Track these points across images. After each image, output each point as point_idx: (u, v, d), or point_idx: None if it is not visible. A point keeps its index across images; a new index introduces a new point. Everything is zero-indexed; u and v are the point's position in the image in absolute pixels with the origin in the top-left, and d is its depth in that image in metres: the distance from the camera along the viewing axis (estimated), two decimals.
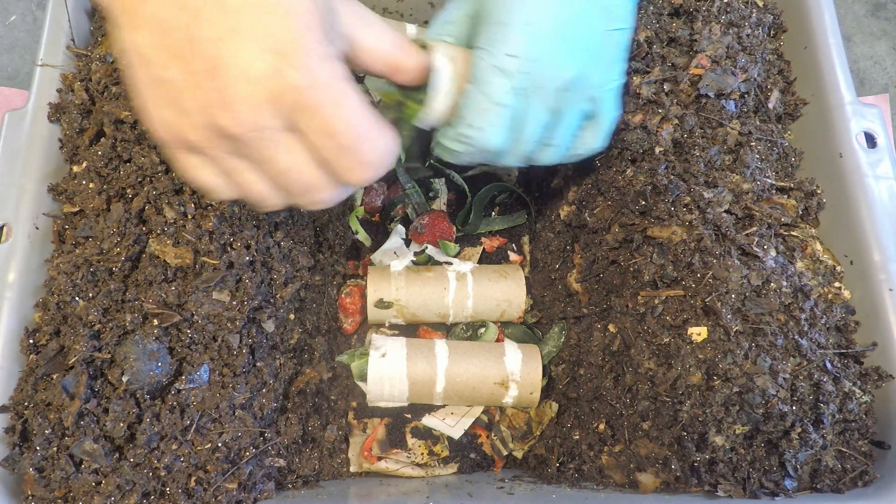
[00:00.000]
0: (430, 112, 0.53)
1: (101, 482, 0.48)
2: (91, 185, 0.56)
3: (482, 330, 0.74)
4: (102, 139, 0.57)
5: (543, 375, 0.68)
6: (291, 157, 0.40)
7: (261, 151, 0.40)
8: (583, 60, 0.52)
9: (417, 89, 0.53)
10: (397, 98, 0.56)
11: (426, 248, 0.77)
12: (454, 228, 0.79)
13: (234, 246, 0.55)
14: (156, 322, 0.51)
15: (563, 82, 0.51)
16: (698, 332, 0.53)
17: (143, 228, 0.54)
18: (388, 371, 0.66)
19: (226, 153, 0.41)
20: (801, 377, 0.51)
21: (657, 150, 0.60)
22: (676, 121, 0.61)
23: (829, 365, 0.52)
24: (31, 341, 0.53)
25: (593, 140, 0.59)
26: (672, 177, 0.59)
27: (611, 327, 0.62)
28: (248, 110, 0.37)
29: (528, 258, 0.80)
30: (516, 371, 0.67)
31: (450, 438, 0.70)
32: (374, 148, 0.42)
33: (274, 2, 0.37)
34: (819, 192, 0.62)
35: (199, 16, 0.36)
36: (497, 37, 0.49)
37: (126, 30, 0.38)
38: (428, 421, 0.70)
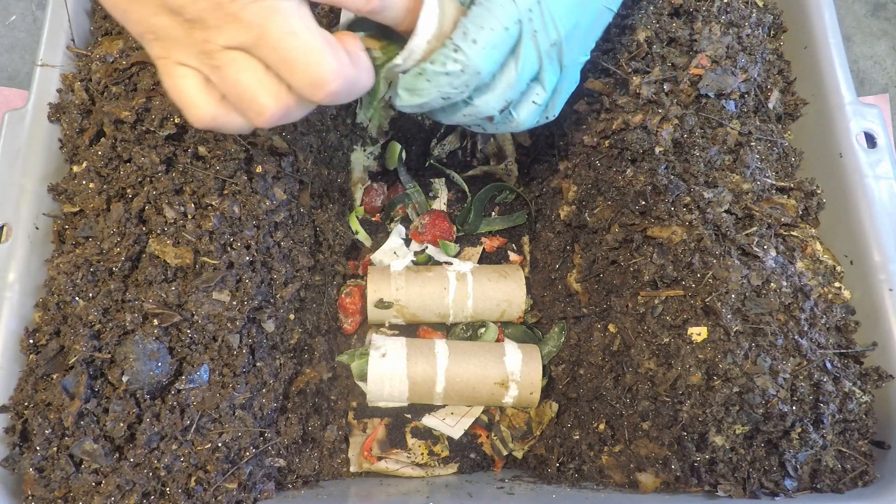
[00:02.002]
0: (410, 49, 0.48)
1: (101, 482, 0.48)
2: (91, 185, 0.56)
3: (482, 330, 0.74)
4: (102, 139, 0.57)
5: (543, 375, 0.68)
6: (247, 62, 0.41)
7: (224, 64, 0.40)
8: (576, 24, 0.52)
9: (394, 39, 0.50)
10: (375, 44, 0.52)
11: (426, 247, 0.77)
12: (454, 228, 0.79)
13: (234, 246, 0.55)
14: (156, 322, 0.51)
15: (557, 37, 0.51)
16: (698, 332, 0.53)
17: (143, 228, 0.54)
18: (388, 371, 0.66)
19: (198, 53, 0.41)
20: (801, 377, 0.51)
21: (657, 150, 0.60)
22: (676, 121, 0.61)
23: (829, 365, 0.52)
24: (31, 341, 0.53)
25: (552, 108, 0.57)
26: (672, 177, 0.59)
27: (611, 327, 0.62)
28: None
29: (528, 258, 0.80)
30: (516, 371, 0.67)
31: (450, 438, 0.70)
32: (320, 65, 0.40)
33: None
34: (819, 192, 0.62)
35: None
36: None
37: None
38: (428, 421, 0.70)
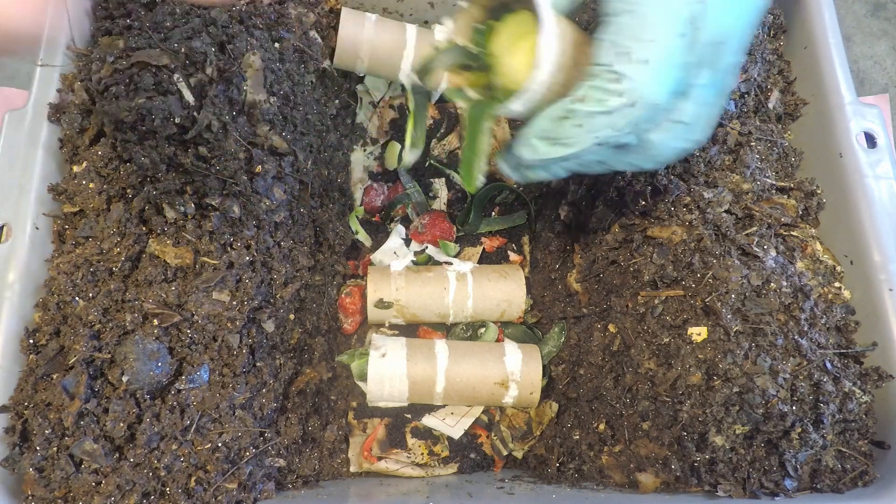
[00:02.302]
0: (532, 87, 0.38)
1: (101, 482, 0.48)
2: (91, 185, 0.56)
3: (482, 330, 0.74)
4: (102, 139, 0.57)
5: (543, 375, 0.68)
6: None
7: None
8: (741, 14, 0.40)
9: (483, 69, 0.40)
10: (465, 80, 0.42)
11: (426, 247, 0.77)
12: (454, 228, 0.79)
13: (234, 246, 0.55)
14: (156, 322, 0.51)
15: (720, 33, 0.39)
16: (698, 332, 0.53)
17: (143, 228, 0.54)
18: (388, 371, 0.66)
19: None
20: (801, 377, 0.51)
21: None
22: None
23: (829, 365, 0.52)
24: (31, 341, 0.53)
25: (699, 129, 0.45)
26: (672, 177, 0.59)
27: (611, 327, 0.62)
28: None
29: (528, 258, 0.80)
30: (516, 371, 0.67)
31: (450, 438, 0.70)
32: None
33: None
34: (819, 192, 0.62)
35: None
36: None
37: None
38: (428, 421, 0.70)
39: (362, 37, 0.73)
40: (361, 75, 0.79)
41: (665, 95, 0.37)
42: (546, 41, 0.37)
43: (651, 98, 0.35)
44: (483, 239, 0.80)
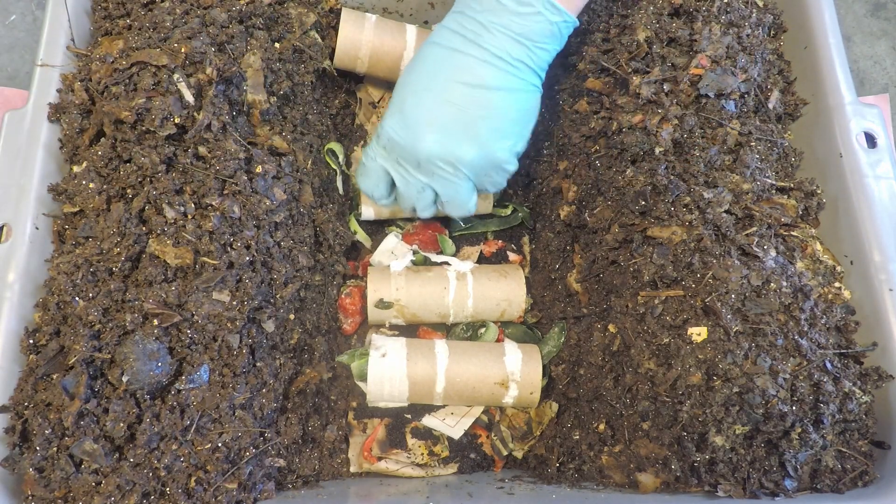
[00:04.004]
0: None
1: (101, 482, 0.48)
2: (91, 185, 0.56)
3: (482, 330, 0.74)
4: (102, 139, 0.57)
5: (543, 375, 0.68)
6: None
7: None
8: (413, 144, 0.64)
9: None
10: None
11: (415, 247, 0.77)
12: (446, 231, 0.79)
13: (234, 246, 0.55)
14: (156, 322, 0.51)
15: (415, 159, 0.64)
16: (698, 333, 0.53)
17: (143, 228, 0.54)
18: (388, 371, 0.66)
19: None
20: (801, 377, 0.51)
21: (657, 150, 0.60)
22: (676, 121, 0.61)
23: (829, 365, 0.52)
24: (31, 341, 0.53)
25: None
26: (672, 177, 0.59)
27: (611, 327, 0.62)
28: None
29: (528, 258, 0.80)
30: (516, 371, 0.67)
31: (450, 438, 0.69)
32: None
33: None
34: (819, 192, 0.62)
35: None
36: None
37: None
38: (428, 421, 0.70)
39: (362, 37, 0.73)
40: (361, 75, 0.79)
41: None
42: None
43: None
44: (482, 245, 0.80)
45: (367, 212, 0.77)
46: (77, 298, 0.52)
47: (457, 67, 0.61)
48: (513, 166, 0.66)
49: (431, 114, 0.61)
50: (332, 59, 0.74)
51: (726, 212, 0.57)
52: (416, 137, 0.62)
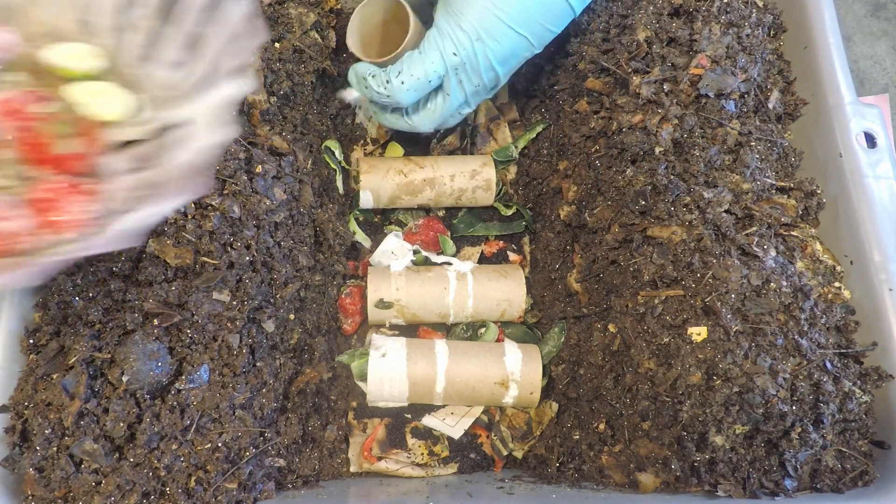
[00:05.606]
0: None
1: (101, 482, 0.48)
2: None
3: (482, 330, 0.74)
4: None
5: (543, 375, 0.68)
6: None
7: None
8: (506, 69, 0.66)
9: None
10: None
11: (416, 247, 0.77)
12: (448, 233, 0.79)
13: (234, 246, 0.55)
14: (156, 322, 0.51)
15: (481, 84, 0.65)
16: (698, 332, 0.53)
17: None
18: (388, 371, 0.66)
19: None
20: (801, 377, 0.51)
21: (657, 150, 0.60)
22: (676, 121, 0.61)
23: (829, 365, 0.52)
24: (31, 341, 0.53)
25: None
26: (672, 177, 0.59)
27: (611, 327, 0.62)
28: None
29: (528, 258, 0.80)
30: (516, 371, 0.67)
31: (450, 438, 0.69)
32: None
33: None
34: (819, 192, 0.62)
35: None
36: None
37: None
38: (428, 421, 0.70)
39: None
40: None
41: (406, 102, 0.65)
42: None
43: (395, 99, 0.65)
44: (483, 246, 0.80)
45: (366, 198, 0.76)
46: (77, 298, 0.52)
47: None
48: (535, 51, 0.66)
49: None
50: (331, 59, 0.74)
51: (726, 212, 0.57)
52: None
